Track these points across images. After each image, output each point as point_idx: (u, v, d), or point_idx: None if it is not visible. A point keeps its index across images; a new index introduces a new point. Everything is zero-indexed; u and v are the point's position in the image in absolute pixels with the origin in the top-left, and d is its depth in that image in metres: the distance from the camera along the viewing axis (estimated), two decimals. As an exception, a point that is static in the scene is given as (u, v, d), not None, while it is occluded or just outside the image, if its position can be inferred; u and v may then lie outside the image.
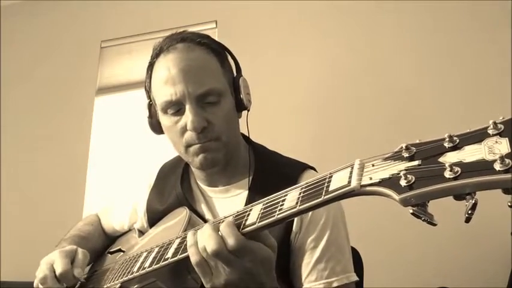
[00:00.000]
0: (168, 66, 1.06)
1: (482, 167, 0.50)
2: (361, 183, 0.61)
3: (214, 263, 0.78)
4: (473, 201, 0.50)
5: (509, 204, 0.49)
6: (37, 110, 3.31)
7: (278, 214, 0.72)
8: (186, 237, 0.85)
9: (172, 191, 1.22)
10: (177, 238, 0.92)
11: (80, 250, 1.11)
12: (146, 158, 2.76)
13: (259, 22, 2.95)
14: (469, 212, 0.50)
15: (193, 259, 0.79)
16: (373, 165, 0.62)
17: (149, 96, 1.16)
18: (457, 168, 0.51)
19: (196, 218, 1.09)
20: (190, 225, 1.02)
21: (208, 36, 1.14)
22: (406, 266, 2.32)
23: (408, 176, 0.55)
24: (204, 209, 1.18)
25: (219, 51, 1.13)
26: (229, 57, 1.18)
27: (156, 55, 1.12)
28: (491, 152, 0.50)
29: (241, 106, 1.13)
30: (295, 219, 1.07)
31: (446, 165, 0.52)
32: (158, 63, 1.10)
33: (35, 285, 1.08)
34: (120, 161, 2.99)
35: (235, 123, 1.15)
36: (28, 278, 1.11)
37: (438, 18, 2.60)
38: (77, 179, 3.02)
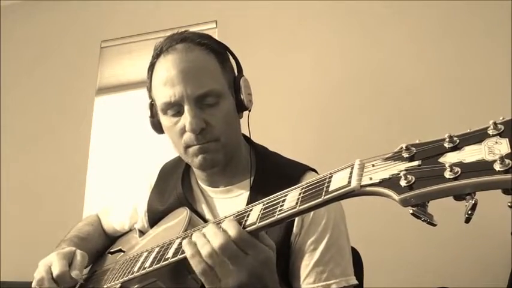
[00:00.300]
0: (167, 67, 1.06)
1: (482, 167, 0.50)
2: (361, 184, 0.61)
3: (221, 267, 0.77)
4: (473, 202, 0.50)
5: (509, 204, 0.49)
6: (37, 110, 3.32)
7: (278, 214, 0.72)
8: (186, 237, 0.85)
9: (173, 191, 1.22)
10: (177, 238, 0.92)
11: (78, 252, 1.11)
12: (146, 158, 2.76)
13: (259, 22, 2.95)
14: (469, 212, 0.50)
15: (199, 269, 0.79)
16: (373, 166, 0.62)
17: (150, 96, 1.16)
18: (457, 169, 0.51)
19: (197, 218, 1.08)
20: (190, 225, 1.02)
21: (209, 36, 1.14)
22: (406, 266, 2.32)
23: (408, 176, 0.55)
24: (204, 209, 1.18)
25: (220, 51, 1.13)
26: (231, 57, 1.18)
27: (156, 55, 1.12)
28: (491, 153, 0.50)
29: (241, 106, 1.13)
30: (296, 220, 1.06)
31: (447, 165, 0.52)
32: (158, 63, 1.10)
33: (32, 286, 1.08)
34: (120, 161, 2.99)
35: (235, 123, 1.15)
36: (28, 278, 1.10)
37: (439, 19, 2.60)
38: (77, 179, 3.02)
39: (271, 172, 1.15)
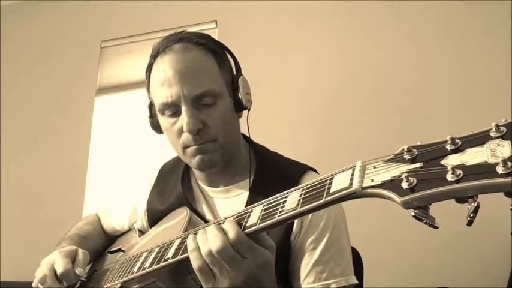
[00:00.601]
0: (164, 67, 1.06)
1: (485, 170, 0.49)
2: (363, 185, 0.61)
3: (218, 268, 0.77)
4: (476, 205, 0.50)
5: (511, 207, 0.49)
6: (37, 110, 3.32)
7: (279, 215, 0.71)
8: (186, 237, 0.85)
9: (173, 190, 1.21)
10: (177, 238, 0.92)
11: (80, 250, 1.11)
12: (146, 157, 2.76)
13: (259, 22, 2.95)
14: (471, 215, 0.50)
15: (196, 264, 0.79)
16: (374, 167, 0.62)
17: (149, 97, 1.16)
18: (459, 171, 0.51)
19: (197, 218, 1.08)
20: (190, 225, 1.02)
21: (207, 36, 1.13)
22: (406, 266, 2.32)
23: (410, 178, 0.55)
24: (204, 209, 1.18)
25: (217, 51, 1.12)
26: (229, 57, 1.17)
27: (154, 56, 1.12)
28: (493, 155, 0.50)
29: (240, 106, 1.13)
30: (296, 220, 1.06)
31: (449, 167, 0.52)
32: (156, 64, 1.10)
33: (34, 285, 1.08)
34: (120, 161, 2.99)
35: (233, 123, 1.15)
36: (28, 278, 1.10)
37: (439, 19, 2.60)
38: (77, 179, 3.02)
39: (271, 172, 1.15)
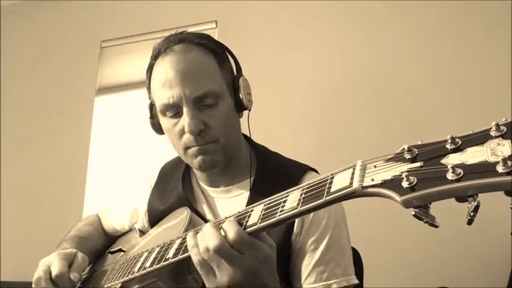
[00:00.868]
0: (165, 68, 1.06)
1: (485, 169, 0.49)
2: (363, 185, 0.61)
3: (217, 263, 0.77)
4: (476, 204, 0.50)
5: (511, 206, 0.49)
6: (37, 110, 3.32)
7: (279, 215, 0.71)
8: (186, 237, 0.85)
9: (174, 191, 1.21)
10: (178, 238, 0.92)
11: (79, 254, 1.11)
12: (146, 158, 2.76)
13: (259, 22, 2.95)
14: (471, 214, 0.50)
15: (196, 260, 0.79)
16: (375, 167, 0.62)
17: (150, 97, 1.16)
18: (459, 170, 0.51)
19: (197, 218, 1.08)
20: (191, 225, 1.02)
21: (207, 36, 1.13)
22: (406, 266, 2.32)
23: (410, 177, 0.55)
24: (205, 209, 1.18)
25: (218, 51, 1.12)
26: (230, 57, 1.18)
27: (154, 57, 1.12)
28: (493, 154, 0.50)
29: (241, 106, 1.13)
30: (296, 220, 1.06)
31: (449, 166, 0.52)
32: (156, 65, 1.10)
33: (33, 285, 1.08)
34: (120, 161, 2.99)
35: (234, 124, 1.15)
36: (28, 278, 1.10)
37: (439, 19, 2.60)
38: (77, 179, 3.03)
39: (271, 172, 1.15)
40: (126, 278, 0.99)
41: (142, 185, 1.33)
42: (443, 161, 0.54)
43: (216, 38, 1.15)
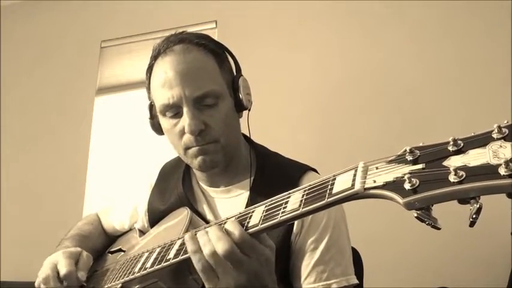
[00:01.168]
0: (165, 69, 1.06)
1: (487, 171, 0.49)
2: (365, 186, 0.60)
3: (222, 268, 0.77)
4: (478, 206, 0.50)
5: None
6: (37, 110, 3.32)
7: (281, 216, 0.71)
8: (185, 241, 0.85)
9: (174, 191, 1.22)
10: (178, 239, 0.92)
11: (84, 253, 1.11)
12: (146, 158, 2.76)
13: (259, 22, 2.95)
14: (474, 216, 0.50)
15: (200, 265, 0.78)
16: (376, 168, 0.62)
17: (150, 98, 1.16)
18: (461, 172, 0.51)
19: (197, 218, 1.09)
20: (191, 225, 1.02)
21: (207, 37, 1.14)
22: (406, 266, 2.32)
23: (412, 179, 0.55)
24: (205, 209, 1.18)
25: (218, 51, 1.12)
26: (229, 57, 1.18)
27: (154, 57, 1.12)
28: (495, 156, 0.50)
29: (241, 106, 1.13)
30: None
31: (451, 169, 0.52)
32: (156, 65, 1.10)
33: (36, 285, 1.07)
34: (120, 160, 2.99)
35: (234, 124, 1.15)
36: (28, 278, 1.11)
37: (439, 19, 2.60)
38: (77, 179, 3.03)
39: (271, 172, 1.15)
40: (126, 278, 0.99)
41: (143, 185, 1.33)
42: (445, 163, 0.54)
43: (216, 38, 1.15)
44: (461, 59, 2.51)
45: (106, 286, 1.07)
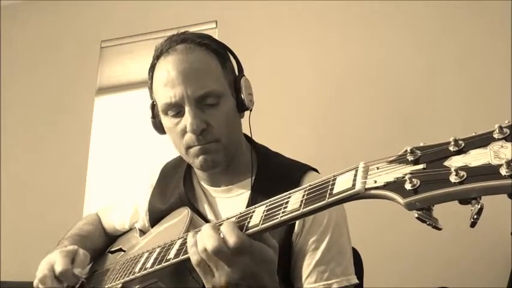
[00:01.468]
0: (167, 68, 1.06)
1: (488, 171, 0.49)
2: (366, 187, 0.60)
3: (215, 264, 0.77)
4: (479, 206, 0.50)
5: None
6: (37, 110, 3.32)
7: (281, 216, 0.71)
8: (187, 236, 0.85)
9: (175, 190, 1.22)
10: (179, 239, 0.92)
11: (80, 250, 1.11)
12: (146, 157, 2.77)
13: (260, 22, 2.95)
14: (475, 216, 0.50)
15: (194, 259, 0.79)
16: (377, 168, 0.62)
17: (152, 97, 1.17)
18: (462, 173, 0.51)
19: (198, 218, 1.09)
20: (191, 225, 1.02)
21: (209, 37, 1.14)
22: (406, 266, 2.32)
23: (413, 179, 0.54)
24: (206, 209, 1.18)
25: (220, 51, 1.13)
26: (231, 57, 1.18)
27: (156, 57, 1.12)
28: (497, 157, 0.50)
29: (242, 106, 1.13)
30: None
31: (452, 169, 0.52)
32: (159, 65, 1.10)
33: (34, 285, 1.07)
34: (120, 161, 2.99)
35: (236, 124, 1.15)
36: (28, 278, 1.10)
37: (438, 19, 2.60)
38: (77, 179, 3.03)
39: (272, 172, 1.16)
40: (127, 278, 0.99)
41: (143, 184, 1.33)
42: (446, 163, 0.54)
43: (216, 38, 1.16)
44: (462, 59, 2.52)
45: (106, 286, 1.07)
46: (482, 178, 0.49)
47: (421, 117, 2.50)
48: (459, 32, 2.55)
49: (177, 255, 0.86)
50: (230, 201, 1.16)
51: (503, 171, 0.48)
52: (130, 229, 1.35)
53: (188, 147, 1.09)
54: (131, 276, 0.97)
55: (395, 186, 0.57)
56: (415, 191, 0.54)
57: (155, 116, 1.17)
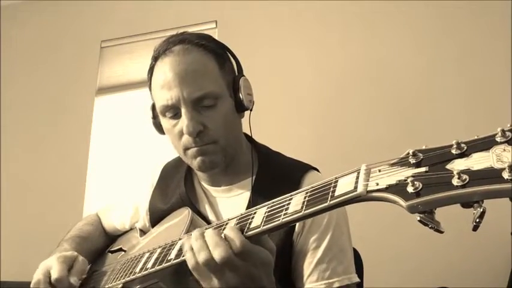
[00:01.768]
0: (164, 70, 1.06)
1: (491, 175, 0.49)
2: (368, 189, 0.60)
3: (216, 269, 0.76)
4: (482, 210, 0.50)
5: None
6: (37, 110, 3.31)
7: (283, 218, 0.71)
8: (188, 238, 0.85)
9: (176, 190, 1.22)
10: (180, 239, 0.91)
11: (80, 258, 1.10)
12: (146, 157, 2.77)
13: (260, 22, 2.95)
14: (477, 220, 0.50)
15: (191, 263, 0.78)
16: (379, 171, 0.62)
17: (152, 98, 1.17)
18: (465, 176, 0.51)
19: (198, 218, 1.09)
20: (192, 225, 1.02)
21: (208, 37, 1.13)
22: (406, 267, 2.32)
23: (415, 182, 0.54)
24: (207, 209, 1.18)
25: (219, 52, 1.12)
26: (231, 57, 1.17)
27: (155, 58, 1.12)
28: (499, 160, 0.50)
29: (241, 107, 1.12)
30: None
31: (454, 172, 0.52)
32: (157, 66, 1.10)
33: (31, 287, 1.07)
34: (121, 161, 2.99)
35: (234, 124, 1.15)
36: (28, 278, 1.10)
37: (438, 19, 2.60)
38: (77, 179, 3.03)
39: (272, 171, 1.15)
40: (127, 279, 0.99)
41: (144, 184, 1.33)
42: (448, 166, 0.54)
43: (216, 38, 1.15)
44: (462, 59, 2.52)
45: (107, 286, 1.07)
46: (484, 182, 0.49)
47: (421, 117, 2.50)
48: (459, 32, 2.55)
49: (178, 255, 0.86)
50: (231, 201, 1.16)
51: (506, 174, 0.48)
52: (131, 229, 1.34)
53: (186, 149, 1.09)
54: (132, 277, 0.97)
55: (398, 189, 0.57)
56: (417, 193, 0.54)
57: (156, 117, 1.17)
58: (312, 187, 0.72)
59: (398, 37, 2.66)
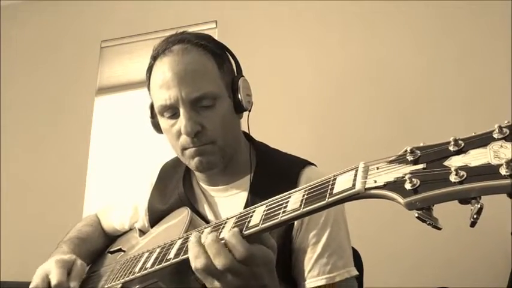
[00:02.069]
0: (163, 69, 1.06)
1: (488, 171, 0.49)
2: (366, 186, 0.60)
3: (219, 273, 0.76)
4: (479, 206, 0.50)
5: None
6: (37, 110, 3.32)
7: (282, 216, 0.71)
8: (188, 238, 0.85)
9: (175, 190, 1.21)
10: (179, 239, 0.92)
11: (78, 261, 1.10)
12: (146, 157, 2.77)
13: (260, 22, 2.95)
14: (475, 216, 0.50)
15: (194, 264, 0.78)
16: (377, 168, 0.62)
17: (151, 97, 1.17)
18: (462, 172, 0.51)
19: (197, 218, 1.08)
20: (191, 225, 1.02)
21: (207, 37, 1.13)
22: (406, 266, 2.32)
23: (413, 179, 0.55)
24: (206, 209, 1.18)
25: (218, 52, 1.12)
26: (231, 58, 1.17)
27: (153, 58, 1.12)
28: (496, 157, 0.50)
29: (240, 107, 1.12)
30: None
31: (452, 169, 0.52)
32: (155, 66, 1.10)
33: None
34: (120, 161, 2.99)
35: (233, 125, 1.15)
36: (28, 278, 1.10)
37: (439, 19, 2.60)
38: (77, 179, 3.03)
39: (270, 169, 1.15)
40: (127, 278, 0.99)
41: (143, 184, 1.33)
42: (446, 163, 0.54)
43: (216, 38, 1.15)
44: (462, 59, 2.52)
45: (106, 286, 1.07)
46: (482, 178, 0.49)
47: (421, 117, 2.50)
48: (459, 32, 2.55)
49: (177, 255, 0.86)
50: (229, 200, 1.16)
51: (503, 171, 0.48)
52: (130, 229, 1.34)
53: (184, 149, 1.09)
54: (131, 276, 0.97)
55: (395, 186, 0.57)
56: (415, 190, 0.54)
57: (154, 116, 1.17)
58: (310, 185, 0.72)
59: (398, 37, 2.66)
